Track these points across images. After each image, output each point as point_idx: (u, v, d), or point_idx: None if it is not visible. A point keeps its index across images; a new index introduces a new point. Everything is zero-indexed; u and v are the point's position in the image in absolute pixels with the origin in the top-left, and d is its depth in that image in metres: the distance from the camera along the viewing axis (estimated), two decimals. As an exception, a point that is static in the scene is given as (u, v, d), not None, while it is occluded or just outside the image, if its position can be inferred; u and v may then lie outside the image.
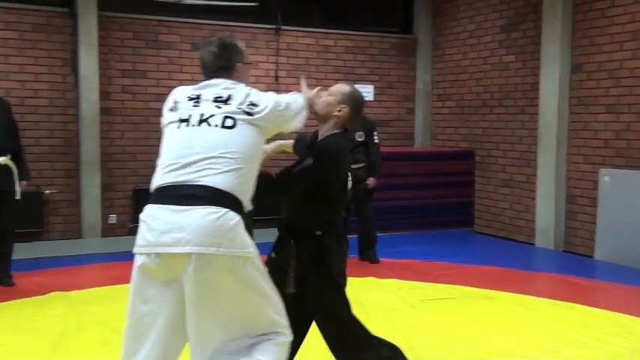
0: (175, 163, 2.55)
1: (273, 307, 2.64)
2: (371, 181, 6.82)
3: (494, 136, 8.80)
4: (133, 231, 8.25)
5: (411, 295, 5.60)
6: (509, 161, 8.59)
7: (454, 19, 9.48)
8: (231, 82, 2.74)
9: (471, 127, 9.18)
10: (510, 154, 8.58)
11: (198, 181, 2.49)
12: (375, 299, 5.47)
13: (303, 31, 9.25)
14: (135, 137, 8.32)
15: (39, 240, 7.79)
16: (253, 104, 2.66)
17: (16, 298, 5.31)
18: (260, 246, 2.67)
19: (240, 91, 2.70)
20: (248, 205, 2.68)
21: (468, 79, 9.24)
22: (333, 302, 3.13)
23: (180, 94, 2.77)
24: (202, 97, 2.68)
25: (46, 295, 5.38)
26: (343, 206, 3.22)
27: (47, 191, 7.87)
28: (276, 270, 2.99)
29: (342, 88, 3.20)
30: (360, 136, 6.81)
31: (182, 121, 2.64)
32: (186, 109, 2.67)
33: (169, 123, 2.70)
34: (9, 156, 5.50)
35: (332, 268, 3.10)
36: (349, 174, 3.16)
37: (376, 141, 6.88)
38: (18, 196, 5.57)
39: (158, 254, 2.48)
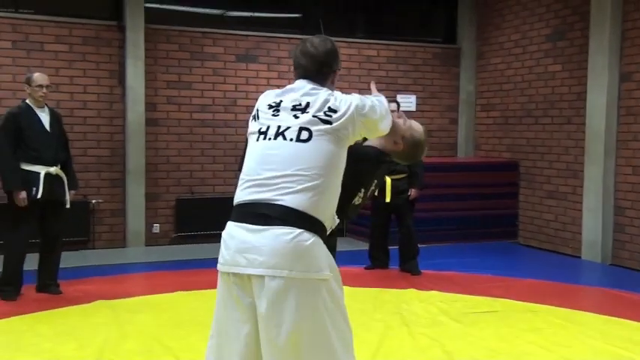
0: (251, 180, 2.50)
1: (345, 350, 2.47)
2: (412, 192, 6.77)
3: (540, 146, 8.66)
4: (175, 241, 8.45)
5: (453, 307, 5.52)
6: (555, 172, 8.43)
7: (498, 28, 9.38)
8: (312, 86, 2.58)
9: (515, 138, 9.05)
10: (556, 165, 8.42)
11: (273, 200, 2.42)
12: (416, 311, 5.42)
13: (346, 42, 9.26)
14: (179, 147, 8.46)
15: (85, 248, 7.96)
16: (332, 110, 2.49)
17: (62, 306, 5.42)
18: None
19: (319, 97, 2.52)
20: (333, 221, 2.58)
21: (512, 88, 9.12)
22: None
23: (262, 101, 2.64)
24: (282, 104, 2.55)
25: (91, 304, 5.47)
26: (346, 216, 2.91)
27: (94, 201, 8.05)
28: None
29: (418, 132, 2.95)
30: (402, 147, 6.77)
31: (261, 133, 2.54)
32: (265, 119, 2.56)
33: (251, 134, 2.62)
34: (59, 166, 5.66)
35: None
36: (365, 193, 2.92)
37: (418, 152, 6.82)
38: (67, 205, 5.72)
39: (235, 274, 2.47)
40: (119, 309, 5.35)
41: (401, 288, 6.16)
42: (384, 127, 2.68)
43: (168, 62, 8.40)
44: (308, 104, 2.51)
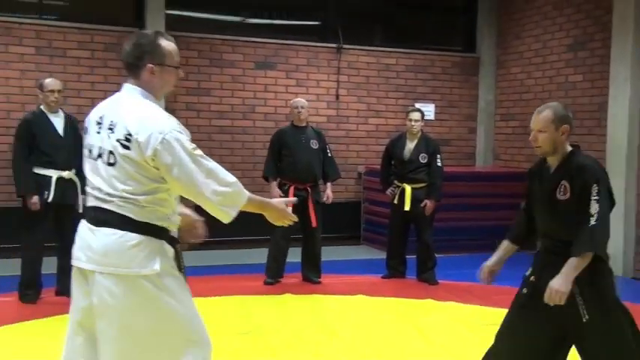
0: (90, 192, 2.67)
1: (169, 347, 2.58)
2: (428, 204, 6.68)
3: (560, 157, 8.58)
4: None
5: (470, 318, 5.49)
6: (575, 183, 8.34)
7: (519, 37, 9.33)
8: (129, 100, 2.60)
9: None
10: (576, 176, 8.33)
11: (105, 206, 2.58)
12: (434, 322, 5.39)
13: (365, 50, 9.28)
14: (198, 154, 8.47)
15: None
16: (130, 134, 2.51)
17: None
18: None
19: (126, 117, 2.54)
20: (172, 218, 2.66)
21: (532, 98, 9.06)
22: None
23: (92, 113, 2.70)
24: (104, 120, 2.60)
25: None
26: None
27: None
28: (536, 294, 3.19)
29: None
30: (423, 158, 6.72)
31: (89, 150, 2.65)
32: (90, 136, 2.66)
33: (84, 147, 2.72)
34: (74, 171, 5.68)
35: (608, 293, 3.14)
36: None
37: (439, 164, 6.75)
38: (80, 210, 5.73)
39: (76, 267, 2.66)
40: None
41: (418, 298, 6.13)
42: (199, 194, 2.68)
43: (187, 69, 8.42)
44: (114, 124, 2.56)
